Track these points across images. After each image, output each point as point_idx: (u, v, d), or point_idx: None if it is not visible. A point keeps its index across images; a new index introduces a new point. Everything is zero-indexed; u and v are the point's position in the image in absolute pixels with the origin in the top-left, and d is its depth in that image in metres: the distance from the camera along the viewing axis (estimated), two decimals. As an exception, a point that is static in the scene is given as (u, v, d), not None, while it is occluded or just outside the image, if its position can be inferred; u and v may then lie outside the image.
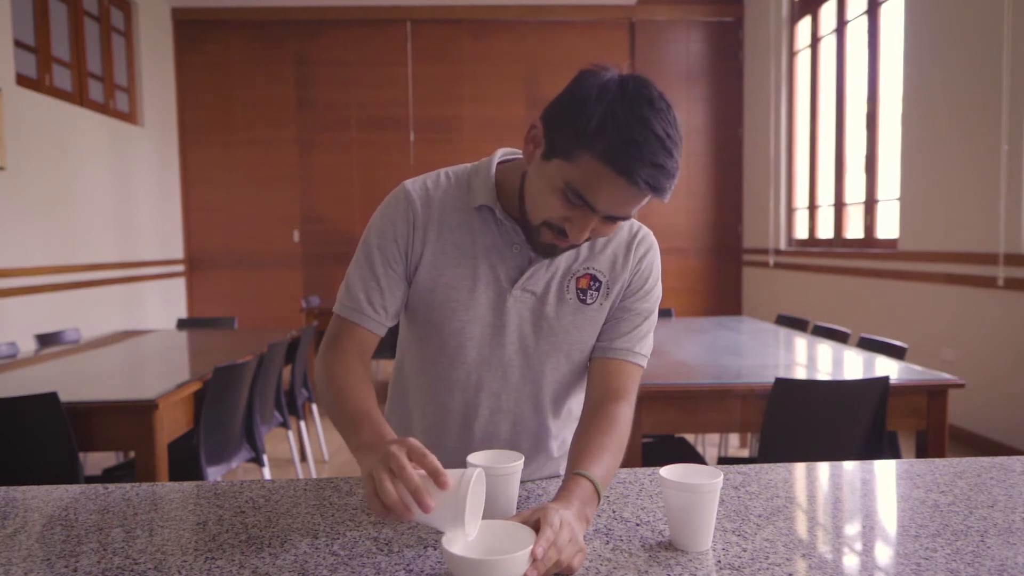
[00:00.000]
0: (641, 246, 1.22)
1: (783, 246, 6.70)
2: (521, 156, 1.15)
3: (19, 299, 4.71)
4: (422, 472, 0.87)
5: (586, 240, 1.07)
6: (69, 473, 2.14)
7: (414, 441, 0.90)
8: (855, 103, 5.67)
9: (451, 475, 0.87)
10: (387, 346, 1.79)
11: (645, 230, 1.24)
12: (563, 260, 1.18)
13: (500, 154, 1.20)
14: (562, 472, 1.32)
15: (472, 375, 1.20)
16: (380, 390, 1.14)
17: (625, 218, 1.04)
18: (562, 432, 1.29)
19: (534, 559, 0.82)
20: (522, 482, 1.24)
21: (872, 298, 5.18)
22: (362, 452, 0.98)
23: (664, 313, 4.29)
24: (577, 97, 0.99)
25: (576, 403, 1.28)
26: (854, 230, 5.71)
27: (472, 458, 1.03)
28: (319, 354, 1.19)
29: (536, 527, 0.87)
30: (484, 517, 0.91)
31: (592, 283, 1.18)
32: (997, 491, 1.15)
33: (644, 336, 1.21)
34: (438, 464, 0.87)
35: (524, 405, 1.23)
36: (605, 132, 0.96)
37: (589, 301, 1.19)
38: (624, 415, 1.15)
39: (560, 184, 1.01)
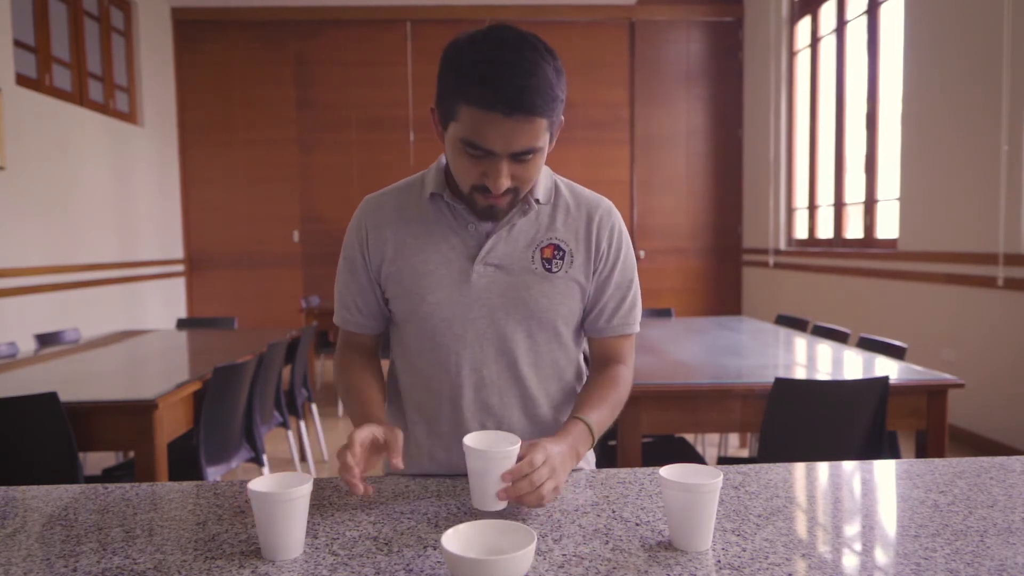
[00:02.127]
0: (605, 220, 1.26)
1: (783, 246, 6.70)
2: None
3: (19, 299, 4.71)
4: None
5: (510, 189, 1.12)
6: (69, 473, 2.14)
7: (352, 437, 1.06)
8: (855, 103, 5.67)
9: (476, 461, 1.01)
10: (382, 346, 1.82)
11: (606, 204, 1.29)
12: (523, 232, 1.23)
13: None
14: None
15: (451, 355, 1.24)
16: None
17: (529, 151, 1.08)
18: (555, 399, 1.30)
19: (504, 480, 0.98)
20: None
21: (872, 298, 5.18)
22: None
23: (664, 313, 4.29)
24: (443, 63, 1.10)
25: (563, 376, 1.30)
26: (854, 230, 5.72)
27: (469, 439, 1.05)
28: (335, 356, 1.36)
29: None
30: (481, 507, 1.01)
31: (556, 252, 1.23)
32: (997, 491, 1.15)
33: (632, 306, 1.29)
34: (348, 461, 1.03)
35: (504, 377, 1.25)
36: (464, 77, 1.05)
37: (555, 270, 1.23)
38: (624, 375, 1.28)
39: (458, 144, 1.09)
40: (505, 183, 1.09)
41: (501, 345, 1.24)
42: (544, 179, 1.25)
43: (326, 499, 1.14)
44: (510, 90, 1.01)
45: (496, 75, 1.02)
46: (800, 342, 3.27)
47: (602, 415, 1.18)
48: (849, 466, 1.32)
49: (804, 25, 6.43)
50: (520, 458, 1.01)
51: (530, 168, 1.11)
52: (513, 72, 1.02)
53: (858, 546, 0.97)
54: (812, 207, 6.33)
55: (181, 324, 4.59)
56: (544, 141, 1.09)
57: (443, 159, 1.24)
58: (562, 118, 1.14)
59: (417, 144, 7.33)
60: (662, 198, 7.48)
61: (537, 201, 1.23)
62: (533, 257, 1.22)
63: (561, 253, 1.23)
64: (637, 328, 1.30)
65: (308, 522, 1.04)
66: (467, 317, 1.22)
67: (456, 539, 0.86)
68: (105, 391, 2.42)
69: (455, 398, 1.25)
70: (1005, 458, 1.32)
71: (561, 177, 1.30)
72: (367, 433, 1.07)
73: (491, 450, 1.01)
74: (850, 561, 0.92)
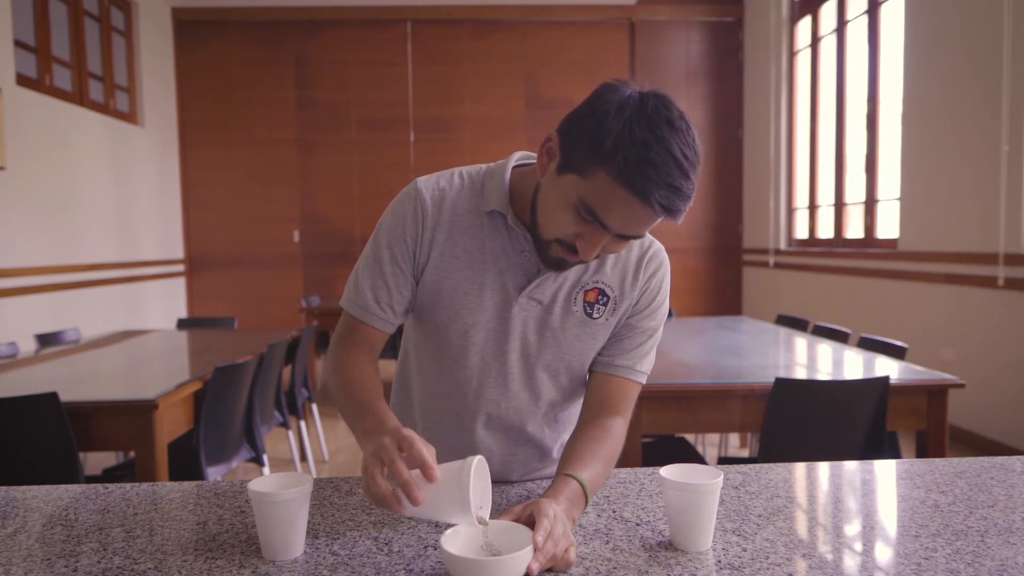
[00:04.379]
0: (651, 263, 1.19)
1: (783, 246, 6.70)
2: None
3: (19, 299, 4.71)
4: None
5: (596, 257, 1.06)
6: (69, 473, 2.14)
7: (408, 432, 0.90)
8: (855, 103, 5.67)
9: (450, 466, 0.88)
10: (388, 346, 1.77)
11: (657, 246, 1.21)
12: (572, 272, 1.16)
13: (516, 158, 1.18)
14: None
15: (473, 379, 1.20)
16: (384, 390, 1.14)
17: (638, 237, 1.03)
18: (560, 439, 1.29)
19: (536, 548, 0.83)
20: (521, 481, 1.24)
21: (872, 298, 5.18)
22: (363, 440, 1.00)
23: (664, 313, 4.28)
24: (595, 112, 0.97)
25: (575, 413, 1.28)
26: (854, 230, 5.71)
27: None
28: (329, 347, 1.20)
29: (529, 521, 0.89)
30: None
31: (600, 297, 1.17)
32: (997, 491, 1.15)
33: (647, 354, 1.21)
34: (426, 457, 0.87)
35: (522, 412, 1.22)
36: (621, 150, 0.93)
37: (595, 316, 1.17)
38: (619, 430, 1.16)
39: (573, 200, 0.99)
40: (596, 253, 1.03)
41: (526, 381, 1.20)
42: None
43: (326, 499, 1.14)
44: (667, 189, 0.93)
45: (660, 167, 0.93)
46: (800, 342, 3.27)
47: (594, 472, 1.06)
48: (850, 466, 1.31)
49: (804, 25, 6.43)
50: (524, 521, 0.91)
51: (624, 246, 1.06)
52: (674, 169, 0.93)
53: (859, 546, 0.97)
54: (812, 207, 6.33)
55: (181, 324, 4.59)
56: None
57: (507, 170, 1.15)
58: None
59: (417, 144, 7.32)
60: (662, 198, 7.47)
61: None
62: (575, 299, 1.16)
63: (605, 299, 1.17)
64: (643, 379, 1.21)
65: (308, 522, 1.04)
66: (499, 347, 1.17)
67: (455, 539, 0.86)
68: (105, 391, 2.42)
69: (466, 421, 1.22)
70: (1006, 458, 1.32)
71: None
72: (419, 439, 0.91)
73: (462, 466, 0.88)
74: (851, 561, 0.92)
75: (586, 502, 1.02)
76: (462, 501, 0.85)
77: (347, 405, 1.10)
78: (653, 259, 1.20)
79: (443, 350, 1.20)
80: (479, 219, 1.15)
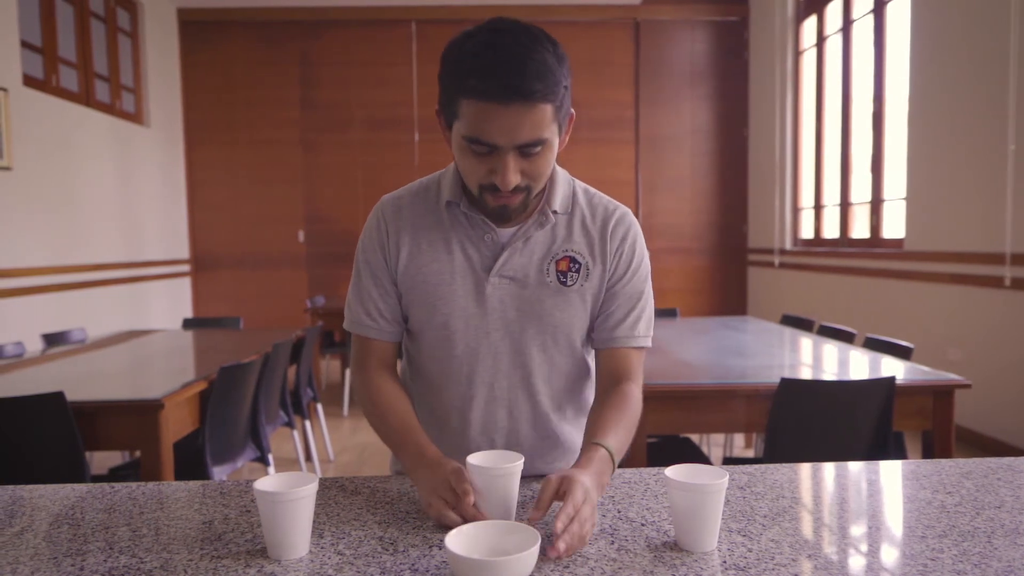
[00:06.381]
0: (619, 228, 1.23)
1: (788, 246, 6.69)
2: None
3: (25, 299, 4.73)
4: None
5: (521, 188, 1.09)
6: (75, 472, 2.14)
7: (453, 475, 1.00)
8: (861, 102, 5.65)
9: (479, 478, 1.00)
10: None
11: (621, 211, 1.25)
12: (539, 244, 1.20)
13: None
14: None
15: (463, 367, 1.23)
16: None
17: (535, 143, 1.04)
18: (566, 413, 1.29)
19: (556, 533, 0.88)
20: (527, 481, 1.24)
21: (878, 298, 5.17)
22: (411, 473, 1.11)
23: (669, 313, 4.29)
24: (442, 62, 1.07)
25: (573, 388, 1.29)
26: (860, 230, 5.70)
27: (472, 459, 1.03)
28: (351, 374, 1.29)
29: (562, 497, 0.93)
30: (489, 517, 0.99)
31: (572, 265, 1.20)
32: (1004, 492, 1.15)
33: (640, 318, 1.23)
34: (469, 509, 0.97)
35: (517, 391, 1.24)
36: (461, 71, 1.02)
37: (569, 283, 1.20)
38: (635, 394, 1.20)
39: (462, 142, 1.06)
40: (514, 179, 1.05)
41: (515, 359, 1.22)
42: (562, 186, 1.22)
43: (331, 499, 1.14)
44: (506, 76, 0.98)
45: (490, 63, 0.99)
46: (806, 342, 3.26)
47: (620, 439, 1.10)
48: (855, 467, 1.31)
49: (810, 24, 6.42)
50: (559, 496, 0.95)
51: (539, 163, 1.07)
52: (508, 58, 0.99)
53: (864, 547, 0.96)
54: (818, 207, 6.32)
55: (187, 324, 4.60)
56: (551, 132, 1.05)
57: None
58: (572, 111, 1.11)
59: (421, 144, 7.33)
60: (667, 198, 7.47)
61: (555, 212, 1.19)
62: (548, 270, 1.19)
63: (576, 266, 1.20)
64: (646, 343, 1.24)
65: (313, 522, 1.04)
66: (481, 329, 1.20)
67: (460, 539, 0.86)
68: (111, 391, 2.43)
69: (464, 410, 1.24)
70: (1013, 459, 1.31)
71: (580, 182, 1.27)
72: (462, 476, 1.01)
73: (492, 467, 1.00)
74: (856, 562, 0.92)
75: (614, 467, 1.07)
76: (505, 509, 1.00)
77: (385, 435, 1.19)
78: (619, 224, 1.23)
79: (431, 344, 1.24)
80: (439, 214, 1.21)
